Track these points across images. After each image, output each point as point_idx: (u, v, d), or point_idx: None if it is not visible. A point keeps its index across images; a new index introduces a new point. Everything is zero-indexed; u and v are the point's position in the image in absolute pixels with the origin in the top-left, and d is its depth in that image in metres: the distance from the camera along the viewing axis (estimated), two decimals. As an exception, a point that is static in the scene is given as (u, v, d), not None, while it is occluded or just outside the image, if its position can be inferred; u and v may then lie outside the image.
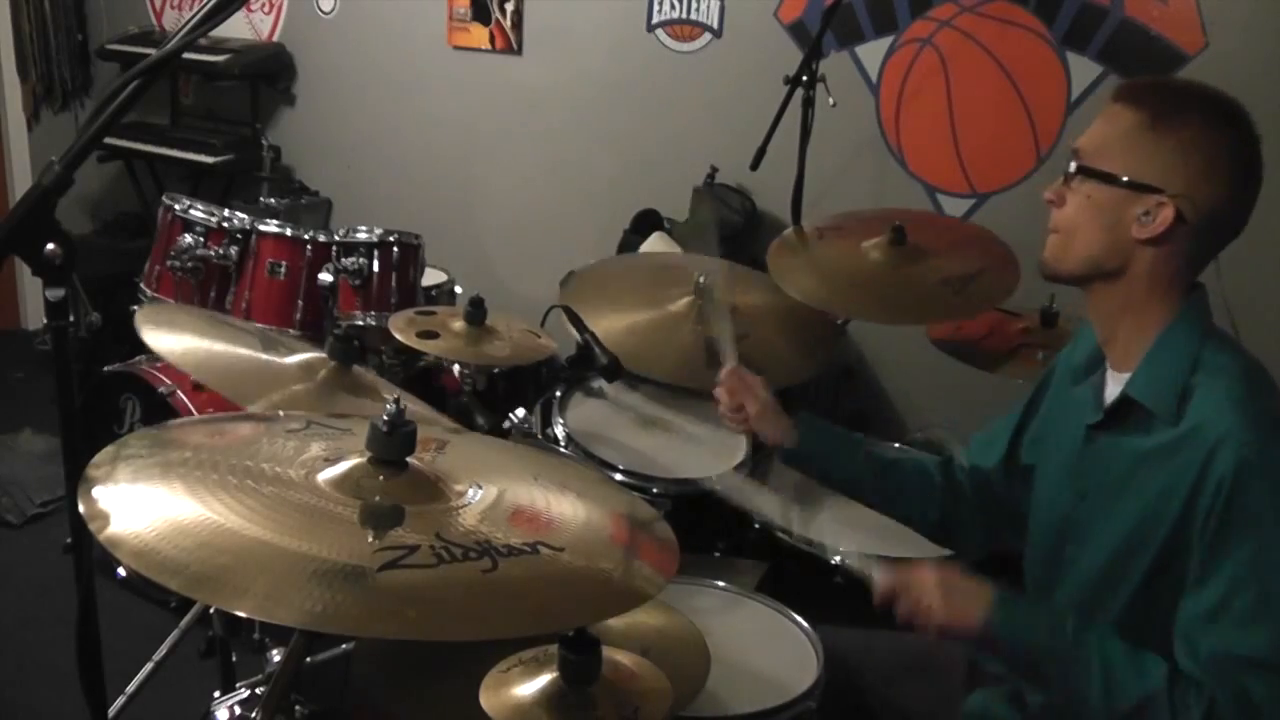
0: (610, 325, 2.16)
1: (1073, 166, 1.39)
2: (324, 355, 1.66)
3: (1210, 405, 1.30)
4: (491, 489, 1.19)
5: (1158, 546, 1.32)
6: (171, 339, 1.58)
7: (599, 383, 2.28)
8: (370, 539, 1.04)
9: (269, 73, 4.30)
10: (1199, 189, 1.32)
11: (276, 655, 1.89)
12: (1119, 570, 1.38)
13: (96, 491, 1.05)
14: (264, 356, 1.63)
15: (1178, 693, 1.25)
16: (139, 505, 1.04)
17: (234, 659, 1.96)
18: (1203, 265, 1.40)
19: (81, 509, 1.02)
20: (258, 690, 1.92)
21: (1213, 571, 1.26)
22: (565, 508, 1.21)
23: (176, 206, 2.75)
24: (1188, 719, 1.24)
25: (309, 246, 2.74)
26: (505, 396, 2.70)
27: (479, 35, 3.83)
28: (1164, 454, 1.33)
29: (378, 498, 1.11)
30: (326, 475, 1.14)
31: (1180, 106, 1.35)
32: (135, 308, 2.85)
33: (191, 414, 2.45)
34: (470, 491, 1.17)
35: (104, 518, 1.01)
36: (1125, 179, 1.34)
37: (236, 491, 1.07)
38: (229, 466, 1.12)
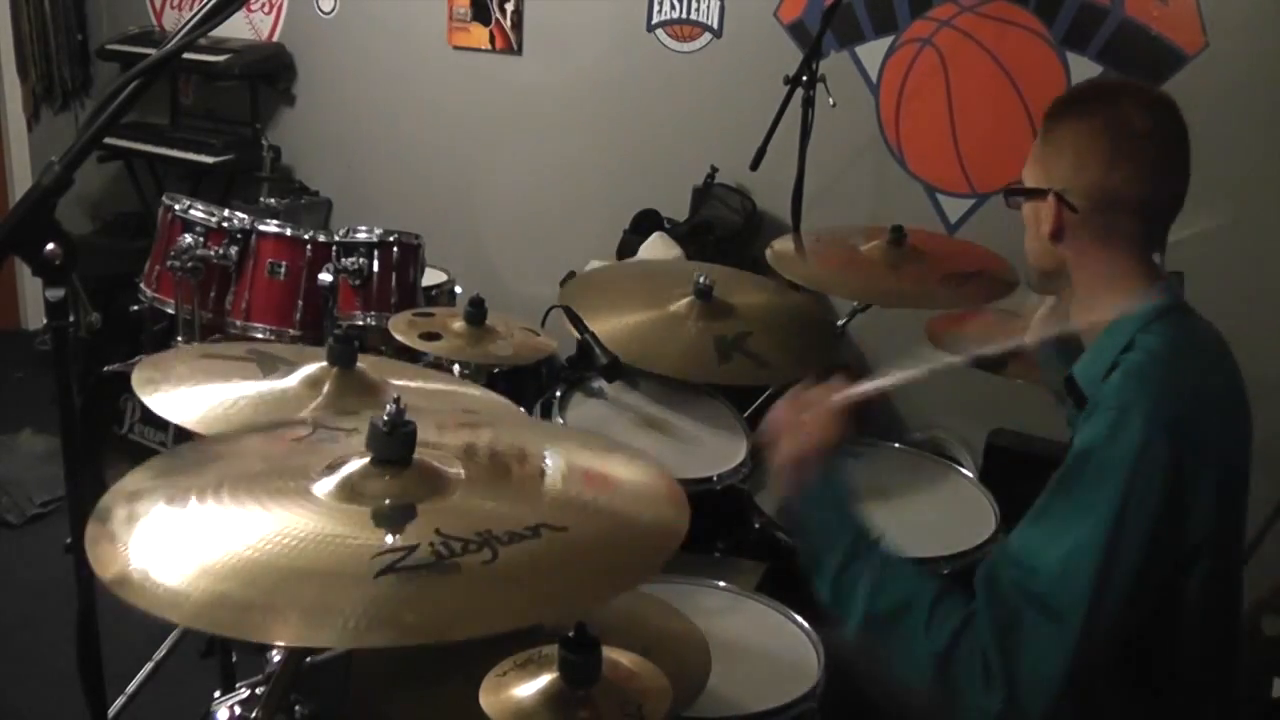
0: (611, 326, 2.16)
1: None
2: (323, 364, 1.64)
3: (1115, 379, 1.34)
4: (558, 458, 1.24)
5: None
6: (171, 399, 1.54)
7: (599, 383, 2.28)
8: (388, 538, 1.04)
9: (269, 73, 4.30)
10: (1076, 176, 1.40)
11: (276, 655, 1.89)
12: None
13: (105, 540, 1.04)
14: (265, 386, 1.60)
15: (961, 646, 1.27)
16: (151, 546, 1.03)
17: (234, 659, 1.97)
18: (1143, 244, 1.42)
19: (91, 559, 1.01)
20: (258, 690, 1.92)
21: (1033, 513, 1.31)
22: (623, 469, 1.26)
23: (176, 206, 2.75)
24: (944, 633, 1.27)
25: (309, 246, 2.73)
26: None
27: (479, 35, 3.83)
28: (1078, 430, 1.37)
29: (387, 501, 1.10)
30: (326, 486, 1.13)
31: (1058, 111, 1.45)
32: (135, 307, 2.89)
33: (191, 414, 2.45)
34: (547, 461, 1.24)
35: (116, 563, 1.01)
36: (1023, 189, 1.46)
37: (244, 515, 1.06)
38: (235, 492, 1.11)
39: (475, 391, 1.80)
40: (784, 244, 2.55)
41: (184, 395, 1.55)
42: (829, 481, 1.44)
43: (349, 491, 1.12)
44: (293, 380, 1.61)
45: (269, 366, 1.66)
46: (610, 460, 1.29)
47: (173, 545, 1.03)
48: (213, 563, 1.00)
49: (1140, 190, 1.39)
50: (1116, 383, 1.32)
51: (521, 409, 1.82)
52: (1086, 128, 1.40)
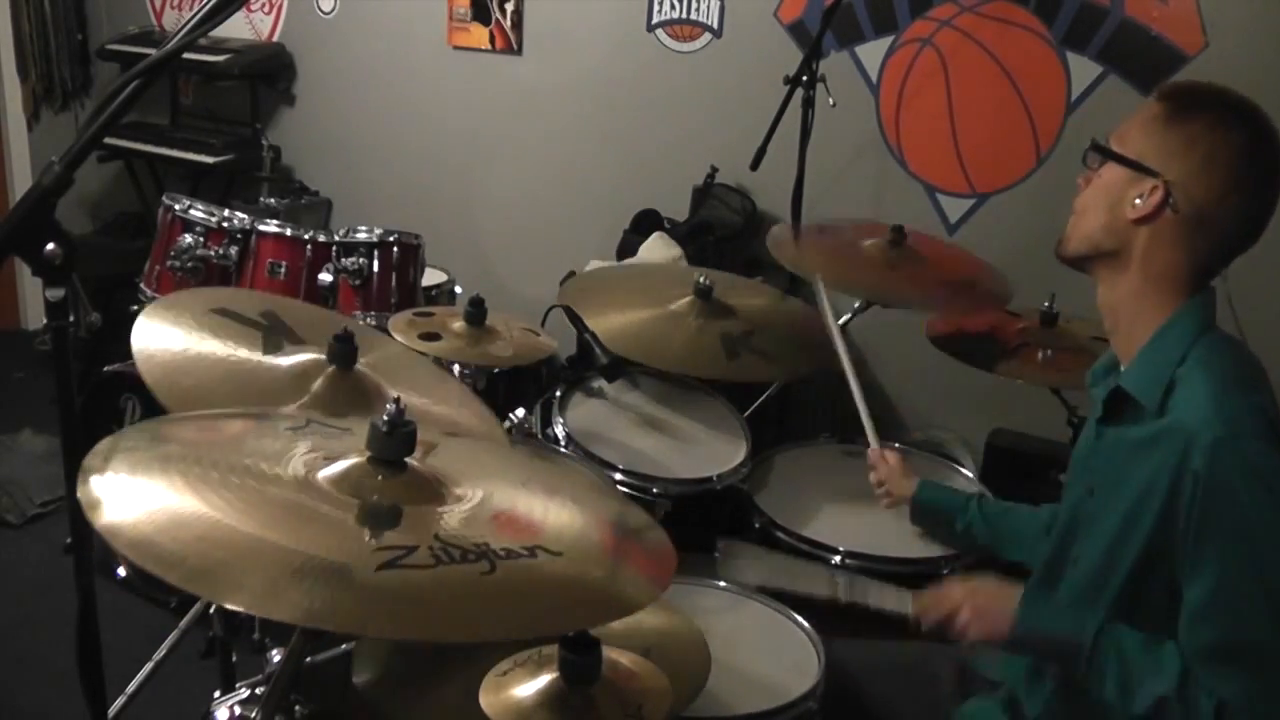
0: (611, 324, 2.16)
1: (1098, 150, 1.44)
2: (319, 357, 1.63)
3: (1188, 399, 1.33)
4: (476, 492, 1.18)
5: (1143, 540, 1.34)
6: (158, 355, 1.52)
7: (599, 383, 2.28)
8: (367, 538, 1.04)
9: (269, 73, 4.30)
10: (1195, 180, 1.35)
11: (276, 655, 1.89)
12: (1111, 562, 1.39)
13: (95, 481, 1.05)
14: (257, 366, 1.59)
15: (1189, 692, 1.26)
16: (138, 497, 1.04)
17: (234, 659, 1.96)
18: (1205, 270, 1.41)
19: (80, 497, 1.02)
20: (258, 690, 1.92)
21: (1201, 567, 1.28)
22: (552, 514, 1.20)
23: (176, 206, 2.75)
24: (1201, 714, 1.25)
25: (309, 246, 2.74)
26: (505, 396, 2.70)
27: (479, 35, 3.83)
28: (1148, 445, 1.35)
29: (376, 497, 1.11)
30: (326, 473, 1.14)
31: (1198, 103, 1.39)
32: (135, 307, 2.89)
33: (191, 414, 2.44)
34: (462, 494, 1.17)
35: (102, 507, 1.01)
36: (1129, 158, 1.39)
37: (236, 487, 1.07)
38: (229, 462, 1.12)
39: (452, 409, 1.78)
40: (783, 230, 2.54)
41: (173, 353, 1.53)
42: (1023, 621, 1.41)
43: (350, 484, 1.12)
44: (288, 361, 1.59)
45: (273, 342, 1.64)
46: (547, 503, 1.22)
47: (159, 503, 1.04)
48: (200, 527, 1.00)
49: (1239, 226, 1.38)
50: (1204, 408, 1.30)
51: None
52: (1226, 138, 1.36)
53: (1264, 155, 1.36)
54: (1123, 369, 1.45)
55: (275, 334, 1.67)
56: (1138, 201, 1.38)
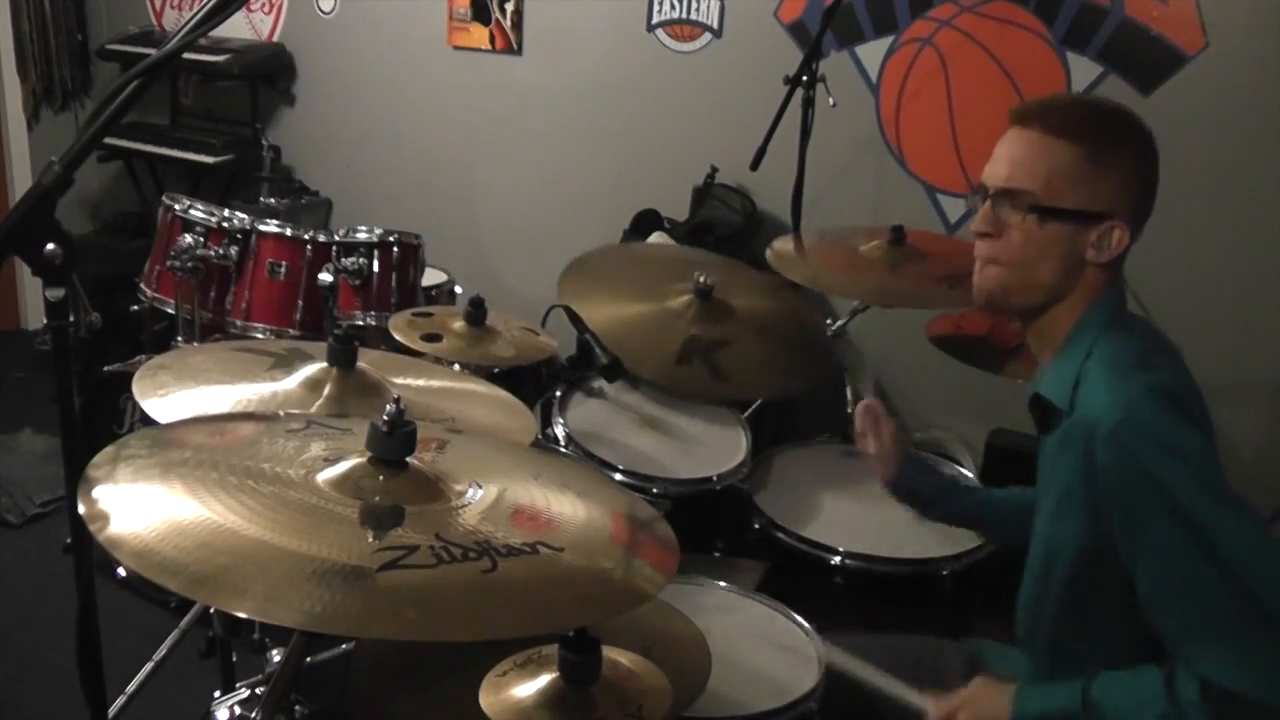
0: (609, 316, 2.16)
1: (1023, 206, 1.42)
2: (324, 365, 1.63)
3: (1089, 390, 1.35)
4: (492, 488, 1.19)
5: (1075, 540, 1.36)
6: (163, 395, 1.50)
7: (599, 383, 2.28)
8: (370, 539, 1.04)
9: (269, 73, 4.30)
10: (1141, 208, 1.41)
11: (276, 655, 1.90)
12: (1049, 564, 1.41)
13: (96, 492, 1.05)
14: (263, 388, 1.59)
15: (1175, 693, 1.27)
16: (139, 505, 1.04)
17: (234, 659, 1.97)
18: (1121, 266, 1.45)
19: (81, 509, 1.02)
20: (258, 690, 1.92)
21: (1142, 555, 1.29)
22: (565, 507, 1.21)
23: (176, 206, 2.75)
24: (1190, 706, 1.25)
25: (309, 246, 2.74)
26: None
27: (479, 35, 3.83)
28: (1062, 443, 1.37)
29: (378, 498, 1.11)
30: (326, 475, 1.13)
31: (1117, 137, 1.41)
32: (135, 307, 2.89)
33: (191, 414, 2.44)
34: (470, 491, 1.17)
35: (104, 518, 1.01)
36: (1081, 211, 1.39)
37: (236, 491, 1.07)
38: (229, 466, 1.12)
39: (479, 387, 1.79)
40: (784, 244, 2.55)
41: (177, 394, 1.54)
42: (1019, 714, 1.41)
43: (350, 485, 1.12)
44: (292, 382, 1.60)
45: (284, 364, 1.65)
46: (560, 496, 1.23)
47: (160, 511, 1.04)
48: (201, 533, 1.00)
49: (1146, 220, 1.42)
50: (1102, 398, 1.32)
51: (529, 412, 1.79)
52: (1153, 162, 1.41)
53: (1153, 151, 1.42)
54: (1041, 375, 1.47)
55: (284, 360, 1.66)
56: (1098, 244, 1.39)
